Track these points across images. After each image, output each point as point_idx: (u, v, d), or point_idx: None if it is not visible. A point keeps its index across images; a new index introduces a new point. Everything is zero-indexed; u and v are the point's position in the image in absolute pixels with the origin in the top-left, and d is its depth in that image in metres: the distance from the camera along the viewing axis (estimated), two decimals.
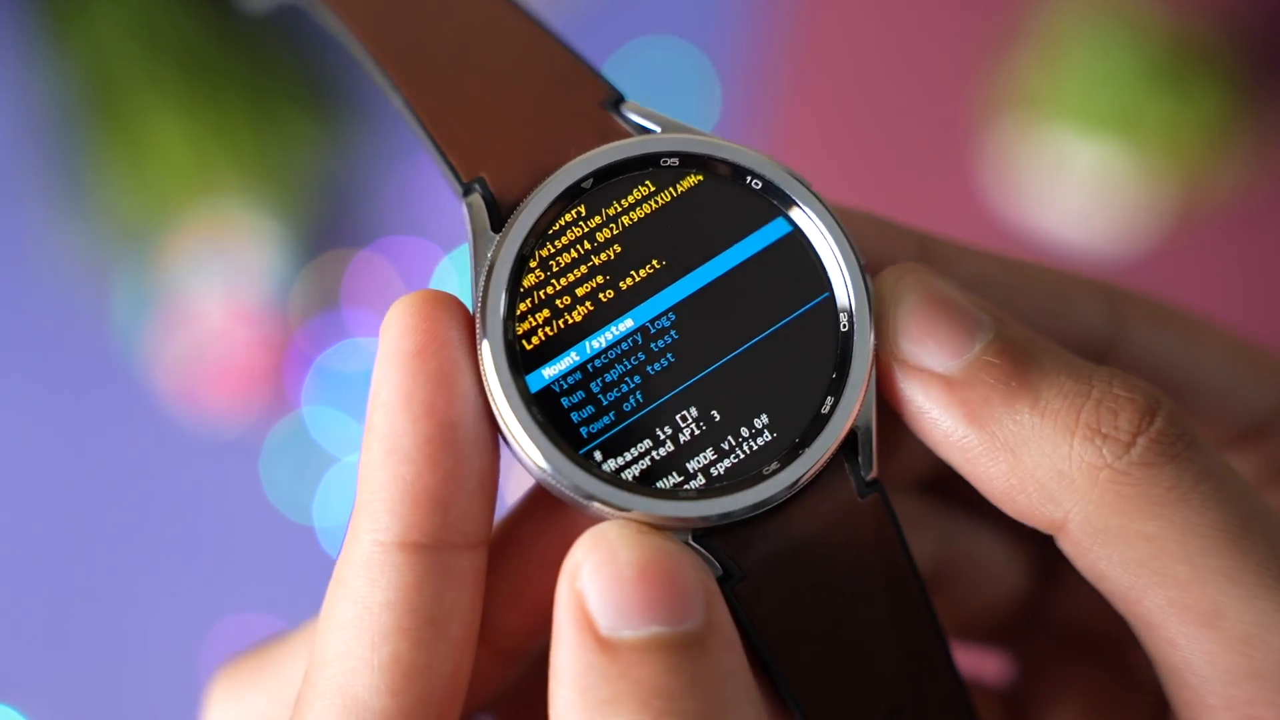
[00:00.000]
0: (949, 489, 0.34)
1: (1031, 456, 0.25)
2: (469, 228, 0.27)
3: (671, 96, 1.00)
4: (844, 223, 0.27)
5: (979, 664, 0.35)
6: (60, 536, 0.96)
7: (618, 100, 0.28)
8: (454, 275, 0.98)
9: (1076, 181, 0.91)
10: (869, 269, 0.27)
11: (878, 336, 0.27)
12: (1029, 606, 0.35)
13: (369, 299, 0.99)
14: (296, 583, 0.94)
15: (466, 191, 0.27)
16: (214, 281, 0.96)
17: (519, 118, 0.28)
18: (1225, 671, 0.25)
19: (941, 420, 0.26)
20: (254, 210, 0.97)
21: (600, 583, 0.24)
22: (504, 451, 0.27)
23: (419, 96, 0.28)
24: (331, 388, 0.97)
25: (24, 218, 1.00)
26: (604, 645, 0.24)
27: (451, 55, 0.28)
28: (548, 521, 0.29)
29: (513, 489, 0.33)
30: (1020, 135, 0.92)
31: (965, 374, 0.26)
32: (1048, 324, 0.29)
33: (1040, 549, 0.35)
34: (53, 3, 1.00)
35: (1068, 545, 0.26)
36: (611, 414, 0.26)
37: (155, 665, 0.94)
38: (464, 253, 0.98)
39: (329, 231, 1.01)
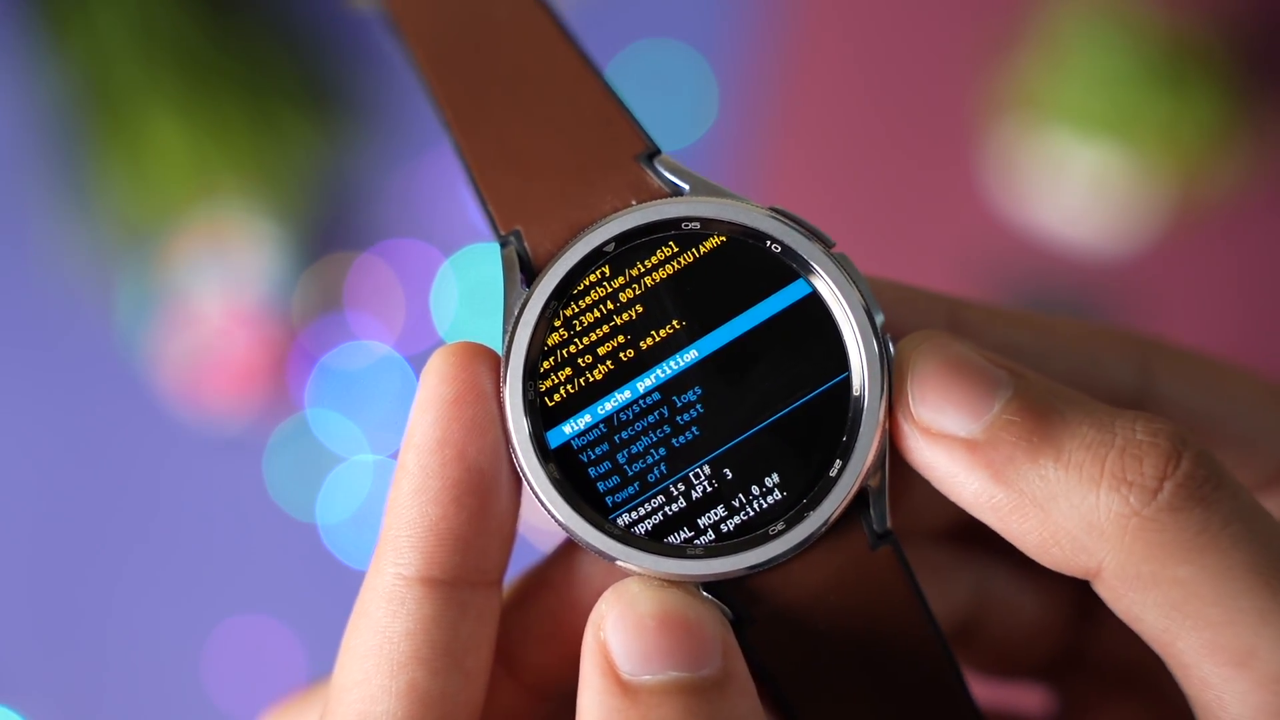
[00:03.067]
0: (981, 534, 0.35)
1: (1060, 510, 0.26)
2: (503, 276, 0.28)
3: (671, 99, 1.00)
4: (861, 284, 0.28)
5: (1020, 698, 0.35)
6: (62, 536, 0.96)
7: (653, 154, 0.29)
8: (454, 279, 0.98)
9: (1075, 182, 0.91)
10: (897, 337, 0.28)
11: (897, 404, 0.27)
12: (1066, 644, 0.36)
13: (371, 301, 0.99)
14: (300, 582, 0.94)
15: (503, 244, 0.28)
16: (216, 283, 0.96)
17: (558, 168, 0.29)
18: (1258, 710, 0.25)
19: (969, 482, 0.26)
20: (255, 212, 0.97)
21: (622, 631, 0.25)
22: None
23: (469, 142, 0.29)
24: (334, 389, 0.97)
25: (26, 220, 1.00)
26: (625, 689, 0.25)
27: (504, 96, 0.29)
28: (580, 566, 0.30)
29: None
30: (1020, 136, 0.92)
31: (987, 435, 0.26)
32: (1077, 383, 0.29)
33: (1076, 588, 0.35)
34: (52, 4, 1.00)
35: (1103, 591, 0.26)
36: (637, 484, 0.27)
37: (157, 665, 0.94)
38: (465, 255, 0.98)
39: (330, 234, 1.01)
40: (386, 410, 0.96)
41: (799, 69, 0.98)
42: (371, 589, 0.27)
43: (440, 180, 0.99)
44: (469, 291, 0.97)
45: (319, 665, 0.90)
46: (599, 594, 0.29)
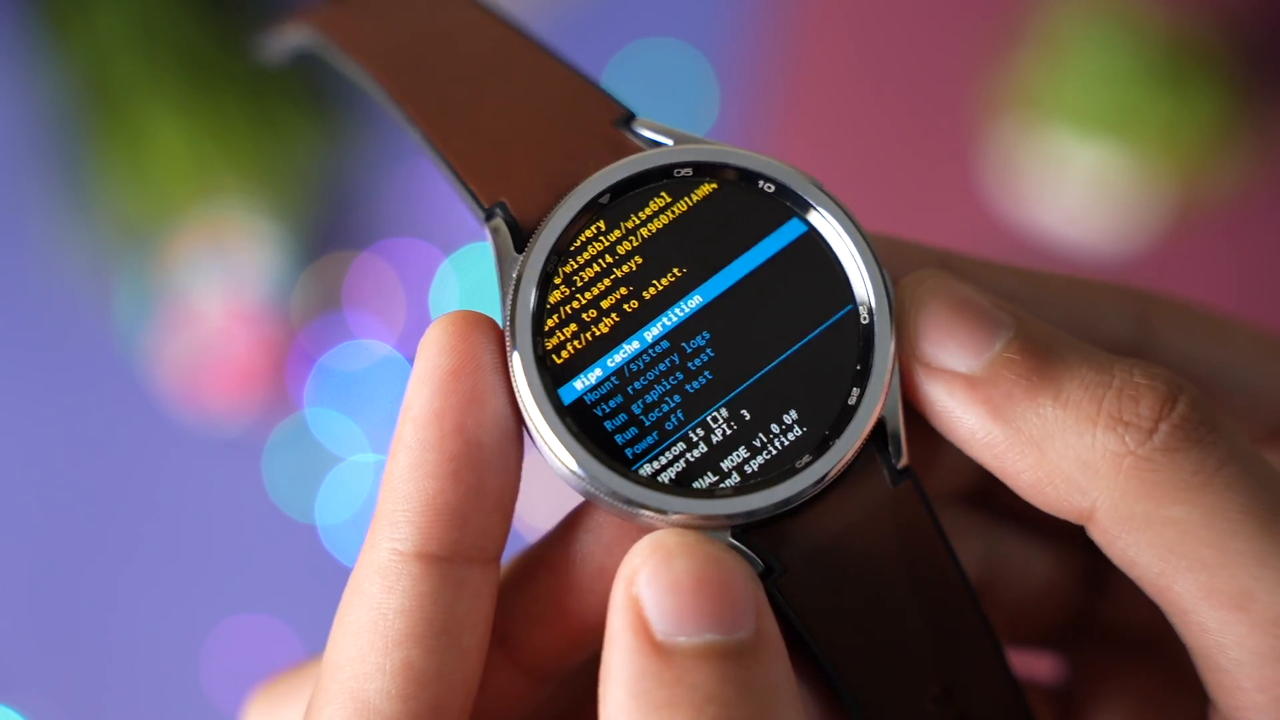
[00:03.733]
0: (991, 499, 0.35)
1: (1056, 449, 0.26)
2: (494, 252, 0.28)
3: (671, 99, 1.00)
4: (854, 218, 0.28)
5: (1029, 665, 0.35)
6: (61, 536, 0.96)
7: (629, 118, 0.29)
8: (454, 278, 0.98)
9: (1075, 182, 0.91)
10: (892, 281, 0.28)
11: (899, 341, 0.27)
12: (1076, 610, 0.36)
13: (370, 301, 0.99)
14: (298, 582, 0.94)
15: (489, 216, 0.28)
16: (215, 282, 0.96)
17: (534, 141, 0.29)
18: (1257, 654, 0.25)
19: (967, 418, 0.26)
20: (254, 211, 0.97)
21: (657, 589, 0.24)
22: (524, 469, 0.28)
23: (435, 128, 0.29)
24: (333, 388, 0.97)
25: (25, 219, 1.00)
26: (659, 650, 0.24)
27: (464, 87, 0.29)
28: (579, 546, 0.30)
29: (529, 509, 0.34)
30: (1020, 136, 0.92)
31: (987, 372, 0.26)
32: (1073, 332, 0.29)
33: (1085, 554, 0.35)
34: (53, 3, 1.00)
35: (1097, 534, 0.26)
36: (655, 433, 0.27)
37: (156, 665, 0.94)
38: (464, 255, 0.98)
39: (330, 233, 1.01)
40: (386, 410, 0.96)
41: (799, 69, 0.98)
42: (366, 565, 0.27)
43: (440, 180, 0.98)
44: (469, 291, 0.97)
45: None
46: (599, 574, 0.28)
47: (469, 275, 0.98)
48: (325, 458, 0.96)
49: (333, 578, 0.93)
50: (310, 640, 0.92)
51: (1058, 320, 0.29)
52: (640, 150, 0.28)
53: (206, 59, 0.99)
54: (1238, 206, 0.92)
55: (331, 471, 0.96)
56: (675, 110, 1.00)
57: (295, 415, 0.97)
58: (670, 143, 0.28)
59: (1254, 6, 0.93)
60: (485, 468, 0.26)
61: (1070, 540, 0.35)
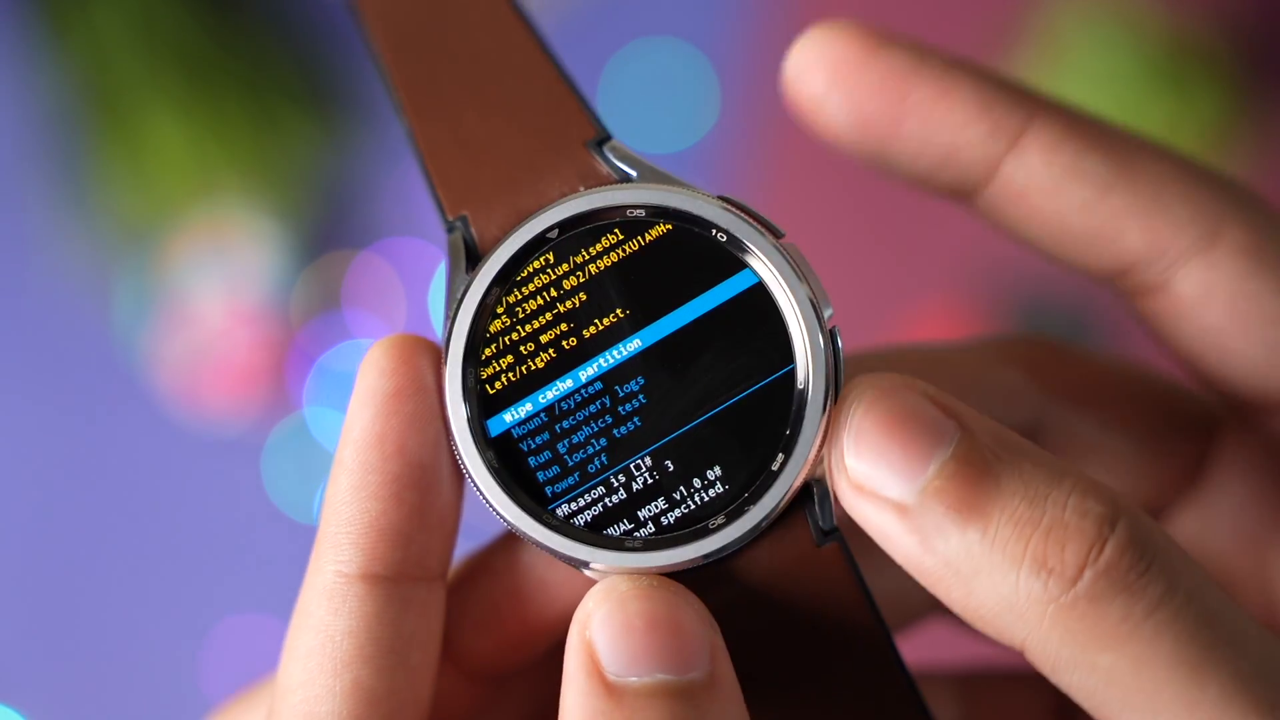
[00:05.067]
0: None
1: (982, 587, 0.25)
2: (447, 264, 0.28)
3: (671, 97, 1.00)
4: (809, 275, 0.27)
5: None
6: (61, 536, 0.96)
7: (602, 140, 0.29)
8: None
9: None
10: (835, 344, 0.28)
11: (830, 450, 0.26)
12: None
13: (370, 300, 0.99)
14: (298, 582, 0.94)
15: (449, 229, 0.28)
16: (215, 282, 0.96)
17: (507, 154, 0.29)
18: None
19: (896, 545, 0.26)
20: (254, 211, 0.97)
21: (610, 631, 0.25)
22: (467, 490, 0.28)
23: (422, 127, 0.29)
24: (333, 388, 0.97)
25: (25, 218, 1.00)
26: (610, 690, 0.24)
27: (459, 80, 0.29)
28: (522, 553, 0.30)
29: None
30: None
31: (918, 501, 0.25)
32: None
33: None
34: (53, 3, 1.00)
35: (1032, 661, 0.26)
36: (577, 475, 0.27)
37: (156, 665, 0.94)
38: None
39: (329, 233, 1.01)
40: None
41: None
42: (312, 588, 0.27)
43: None
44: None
45: None
46: (541, 582, 0.29)
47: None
48: (325, 458, 0.96)
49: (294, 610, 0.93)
50: None
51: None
52: (606, 177, 0.28)
53: (207, 58, 0.99)
54: None
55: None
56: (675, 109, 1.00)
57: (295, 415, 0.97)
58: (635, 174, 0.28)
59: (1254, 6, 0.93)
60: (427, 488, 0.27)
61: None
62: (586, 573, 0.27)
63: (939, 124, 0.28)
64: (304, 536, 0.95)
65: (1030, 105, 0.28)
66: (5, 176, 1.01)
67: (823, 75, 0.28)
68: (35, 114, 1.01)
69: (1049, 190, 0.28)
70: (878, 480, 0.25)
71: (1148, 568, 0.24)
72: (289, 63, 1.01)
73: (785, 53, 0.31)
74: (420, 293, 0.98)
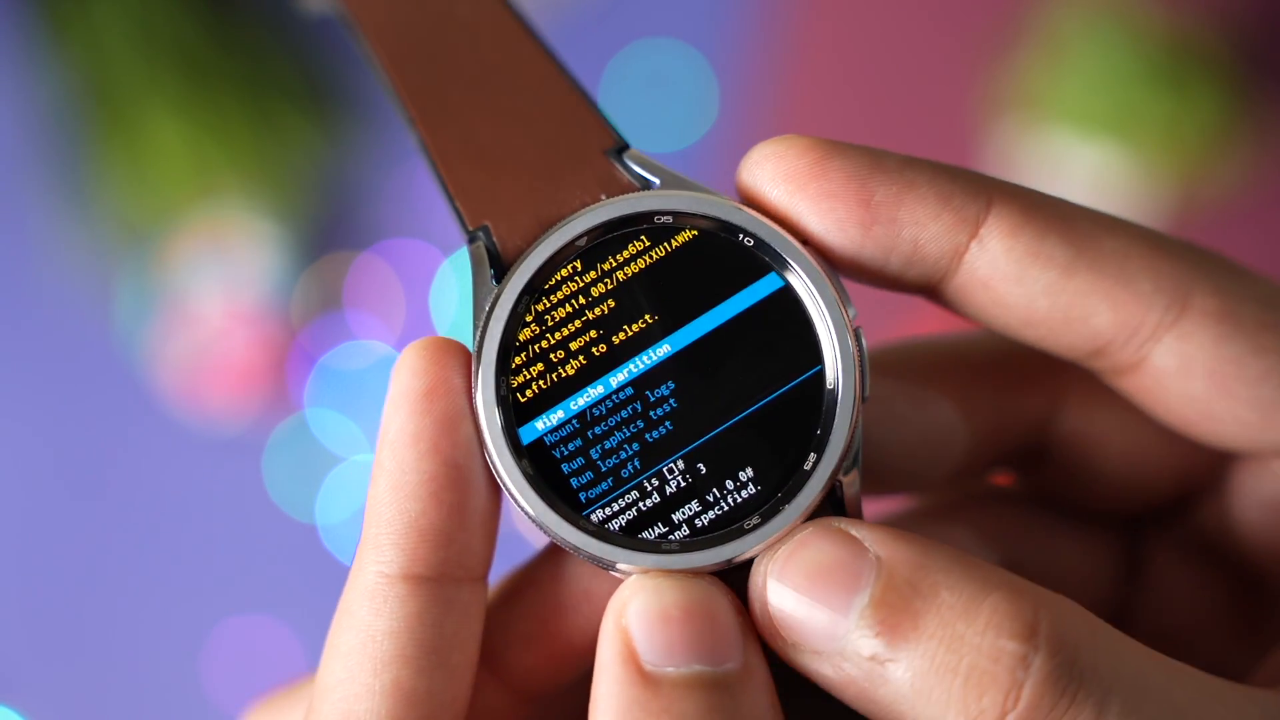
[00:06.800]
0: (1020, 497, 0.35)
1: None
2: (471, 273, 0.28)
3: (671, 99, 1.00)
4: (834, 276, 0.28)
5: None
6: (61, 536, 0.96)
7: (621, 149, 0.29)
8: (454, 278, 0.98)
9: (1076, 182, 0.91)
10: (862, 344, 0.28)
11: (757, 620, 0.26)
12: (1115, 606, 0.35)
13: (370, 301, 0.99)
14: (299, 582, 0.94)
15: (471, 239, 0.29)
16: (215, 282, 0.96)
17: (525, 164, 0.29)
18: None
19: (840, 692, 0.26)
20: (254, 212, 0.97)
21: (646, 620, 0.25)
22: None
23: (434, 138, 0.29)
24: (334, 389, 0.97)
25: (25, 219, 1.00)
26: (647, 680, 0.25)
27: (469, 93, 0.30)
28: (567, 566, 0.30)
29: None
30: (1020, 136, 0.92)
31: (845, 655, 0.25)
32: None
33: (1125, 550, 0.35)
34: (53, 3, 1.00)
35: None
36: (610, 480, 0.27)
37: (156, 665, 0.94)
38: (464, 255, 0.98)
39: (330, 234, 1.01)
40: None
41: (799, 68, 0.98)
42: (354, 587, 0.27)
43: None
44: (469, 291, 0.97)
45: (317, 665, 0.89)
46: (586, 594, 0.29)
47: (469, 275, 0.98)
48: (325, 458, 0.96)
49: (333, 578, 0.93)
50: (310, 640, 0.92)
51: None
52: (628, 185, 0.29)
53: (206, 59, 0.99)
54: (1237, 206, 0.92)
55: (331, 471, 0.96)
56: (675, 111, 1.00)
57: (295, 415, 0.97)
58: (658, 182, 0.28)
59: (1254, 6, 0.93)
60: (464, 488, 0.27)
61: (1109, 537, 0.35)
62: (623, 577, 0.27)
63: (904, 221, 0.27)
64: (305, 537, 0.96)
65: (987, 191, 0.27)
66: (5, 177, 1.01)
67: (782, 188, 0.27)
68: (35, 114, 1.01)
69: (1013, 276, 0.27)
70: (804, 645, 0.26)
71: (1074, 696, 0.24)
72: (288, 63, 1.01)
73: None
74: (421, 293, 0.98)
